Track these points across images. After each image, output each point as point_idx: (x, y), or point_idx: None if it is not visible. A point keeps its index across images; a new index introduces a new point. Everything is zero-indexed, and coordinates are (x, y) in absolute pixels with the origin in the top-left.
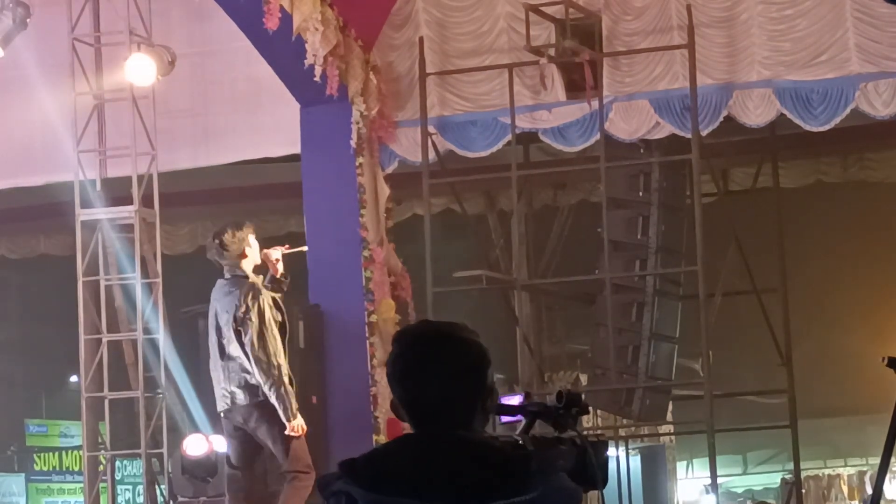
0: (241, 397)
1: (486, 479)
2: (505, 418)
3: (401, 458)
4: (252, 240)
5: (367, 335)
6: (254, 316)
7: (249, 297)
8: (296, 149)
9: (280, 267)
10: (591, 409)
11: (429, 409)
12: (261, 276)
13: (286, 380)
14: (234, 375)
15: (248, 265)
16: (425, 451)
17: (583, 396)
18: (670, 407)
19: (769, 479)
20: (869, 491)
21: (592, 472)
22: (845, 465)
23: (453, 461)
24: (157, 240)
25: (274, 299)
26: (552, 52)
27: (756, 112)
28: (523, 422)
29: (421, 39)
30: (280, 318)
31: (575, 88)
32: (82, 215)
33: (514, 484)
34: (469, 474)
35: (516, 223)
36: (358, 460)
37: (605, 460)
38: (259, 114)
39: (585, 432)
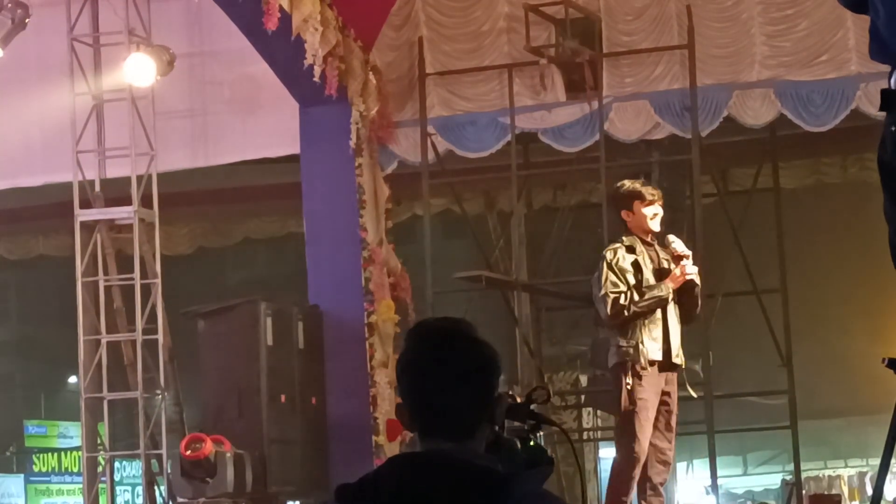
0: None
1: (469, 502)
2: None
3: (388, 481)
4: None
5: (366, 336)
6: None
7: None
8: (295, 149)
9: None
10: (591, 409)
11: (430, 411)
12: None
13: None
14: None
15: None
16: (411, 474)
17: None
18: None
19: (769, 480)
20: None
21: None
22: (846, 466)
23: (436, 485)
24: (156, 240)
25: None
26: (552, 52)
27: (756, 112)
28: None
29: (421, 39)
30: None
31: (575, 89)
32: (81, 216)
33: None
34: (452, 498)
35: (516, 223)
36: (351, 485)
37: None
38: (258, 114)
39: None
